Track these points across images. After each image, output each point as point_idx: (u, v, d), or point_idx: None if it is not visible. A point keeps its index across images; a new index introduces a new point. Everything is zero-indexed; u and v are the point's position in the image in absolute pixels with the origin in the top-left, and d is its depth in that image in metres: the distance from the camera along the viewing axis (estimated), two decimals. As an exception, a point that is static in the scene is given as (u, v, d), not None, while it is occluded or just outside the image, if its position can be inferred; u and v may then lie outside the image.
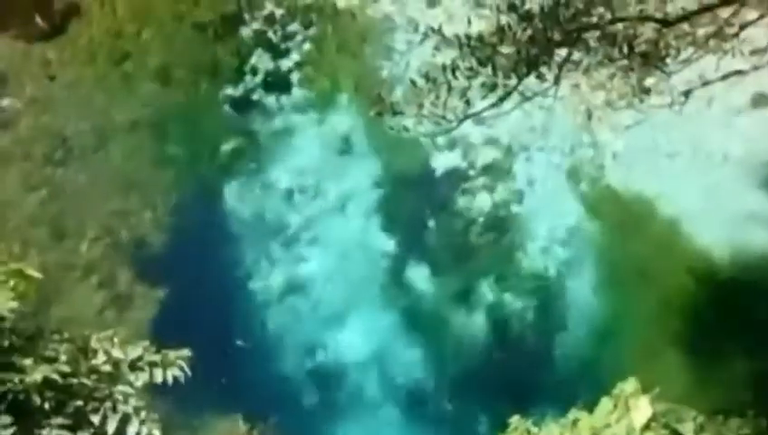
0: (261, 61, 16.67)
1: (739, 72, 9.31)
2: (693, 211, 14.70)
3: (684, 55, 8.41)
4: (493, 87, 7.94)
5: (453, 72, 7.86)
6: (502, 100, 7.93)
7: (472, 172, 15.62)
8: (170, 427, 7.47)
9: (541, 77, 8.02)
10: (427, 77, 7.91)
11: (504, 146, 15.70)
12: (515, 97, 8.03)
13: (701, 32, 8.36)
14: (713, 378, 13.03)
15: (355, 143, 15.95)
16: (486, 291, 14.64)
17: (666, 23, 8.02)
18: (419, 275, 14.83)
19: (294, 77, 16.54)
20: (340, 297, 14.68)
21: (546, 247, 14.90)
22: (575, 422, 7.11)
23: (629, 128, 8.97)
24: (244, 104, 16.28)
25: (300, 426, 13.59)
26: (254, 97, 16.37)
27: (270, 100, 16.36)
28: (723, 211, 14.64)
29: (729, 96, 14.49)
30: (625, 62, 7.85)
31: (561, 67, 7.89)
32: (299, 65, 16.59)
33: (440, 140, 15.54)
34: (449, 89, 7.83)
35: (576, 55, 8.49)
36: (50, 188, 14.87)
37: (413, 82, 7.98)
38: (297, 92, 16.43)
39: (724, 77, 9.28)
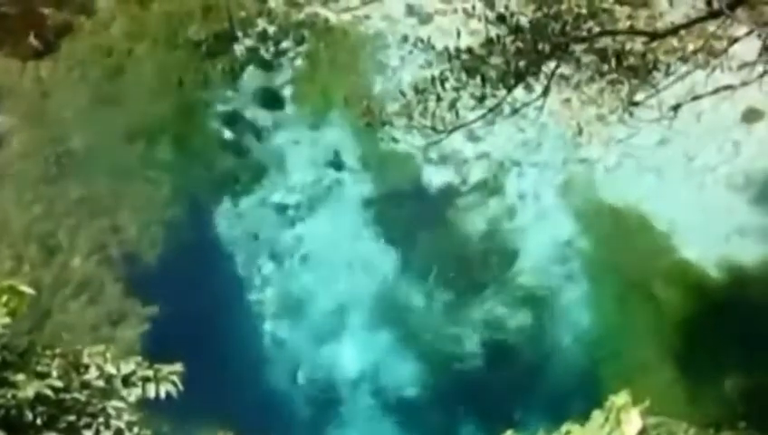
0: (253, 77, 16.72)
1: (728, 87, 9.39)
2: (684, 225, 14.77)
3: (673, 70, 8.50)
4: (482, 98, 8.01)
5: (442, 83, 7.93)
6: (491, 111, 8.00)
7: (464, 188, 15.67)
8: (163, 442, 7.45)
9: (529, 88, 8.10)
10: (416, 89, 7.99)
11: (497, 161, 15.76)
12: (505, 109, 8.10)
13: (690, 46, 8.45)
14: (705, 391, 13.05)
15: (347, 159, 15.99)
16: (480, 305, 14.66)
17: (654, 36, 8.11)
18: (413, 291, 14.85)
19: (287, 93, 16.60)
20: (334, 313, 14.68)
21: (539, 262, 14.94)
22: (567, 434, 7.12)
23: (620, 142, 9.02)
24: (236, 121, 16.32)
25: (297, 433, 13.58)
26: (247, 113, 16.41)
27: (262, 116, 16.40)
28: (714, 225, 14.72)
29: (720, 111, 14.60)
30: (614, 75, 7.93)
31: (549, 79, 7.97)
32: (291, 82, 16.65)
33: (432, 155, 15.61)
34: (438, 100, 7.91)
35: (567, 71, 8.56)
36: (43, 204, 14.86)
37: (402, 93, 8.05)
38: (289, 109, 16.48)
39: (714, 92, 9.36)
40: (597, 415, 7.08)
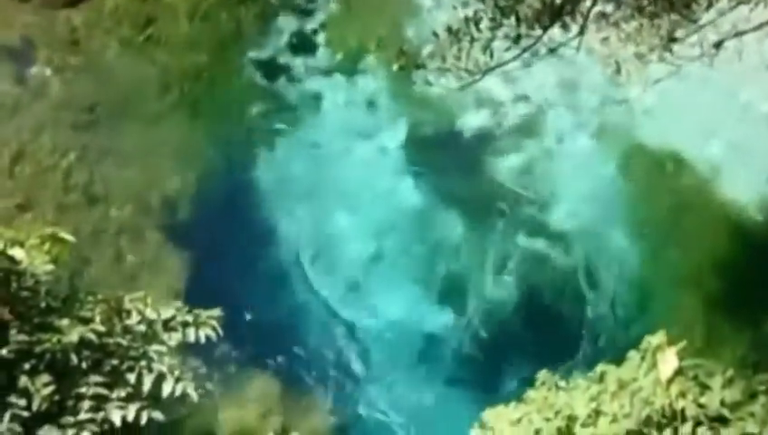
0: (286, 23, 16.60)
1: (772, 23, 9.10)
2: (725, 166, 14.53)
3: (715, 4, 8.25)
4: (517, 38, 7.84)
5: (476, 24, 7.77)
6: (525, 50, 7.84)
7: (500, 131, 15.52)
8: (205, 385, 7.59)
9: (565, 27, 7.91)
10: (449, 30, 7.83)
11: (533, 103, 15.57)
12: (541, 49, 7.93)
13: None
14: (744, 333, 12.96)
15: (382, 103, 15.88)
16: (517, 249, 14.61)
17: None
18: (449, 232, 14.83)
19: (320, 38, 16.47)
20: (368, 255, 14.73)
21: (576, 204, 14.82)
22: (602, 375, 7.13)
23: (659, 81, 8.82)
24: (270, 67, 16.25)
25: (331, 386, 13.74)
26: (281, 60, 16.33)
27: (296, 61, 16.31)
28: (756, 166, 14.46)
29: (763, 48, 14.20)
30: (653, 10, 7.71)
31: (586, 17, 7.78)
32: (324, 26, 16.50)
33: (468, 99, 15.44)
34: (472, 41, 7.75)
35: (605, 8, 8.35)
36: (79, 153, 14.99)
37: (435, 35, 7.91)
38: (323, 53, 16.36)
39: (757, 27, 9.09)
40: (633, 355, 7.07)
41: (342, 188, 15.26)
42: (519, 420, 7.43)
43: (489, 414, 7.74)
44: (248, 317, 13.77)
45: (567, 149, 15.26)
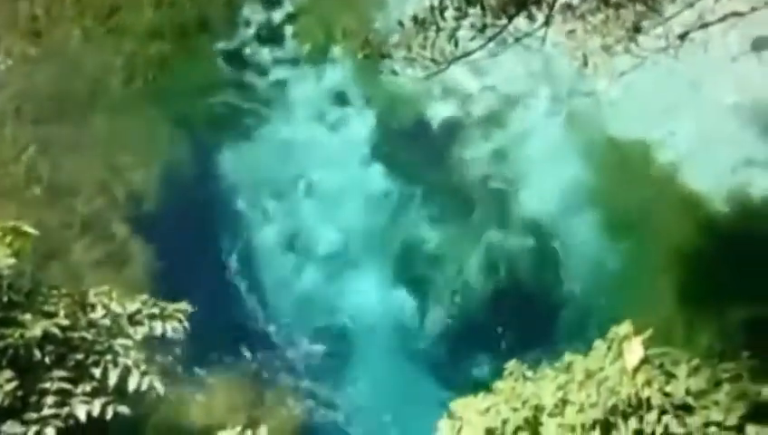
0: (253, 13, 16.48)
1: (737, 14, 9.19)
2: (691, 157, 14.67)
3: (681, -4, 8.31)
4: (482, 28, 7.84)
5: (441, 12, 7.75)
6: (491, 39, 7.84)
7: (469, 122, 15.56)
8: (171, 379, 7.54)
9: (531, 17, 7.92)
10: (415, 19, 7.81)
11: (501, 95, 15.62)
12: (507, 40, 7.94)
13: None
14: (710, 322, 13.12)
15: (350, 95, 15.85)
16: (485, 240, 14.67)
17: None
18: (419, 224, 14.85)
19: (288, 29, 16.38)
20: (338, 249, 14.71)
21: (544, 195, 14.89)
22: (569, 365, 7.18)
23: (625, 73, 8.87)
24: (236, 57, 16.14)
25: (303, 373, 13.73)
26: (248, 50, 16.22)
27: (263, 52, 16.21)
28: (721, 157, 14.62)
29: (728, 40, 14.35)
30: (619, 2, 7.75)
31: (551, 7, 7.80)
32: (292, 17, 16.42)
33: (436, 90, 15.45)
34: (437, 30, 7.74)
35: (572, 0, 8.36)
36: (42, 145, 14.79)
37: (401, 24, 7.88)
38: (291, 45, 16.28)
39: (722, 19, 9.17)
40: (599, 345, 7.12)
41: (310, 179, 15.22)
42: (487, 410, 7.45)
43: (457, 404, 7.76)
44: (214, 310, 13.69)
45: (535, 140, 15.32)
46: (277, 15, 16.46)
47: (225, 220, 14.88)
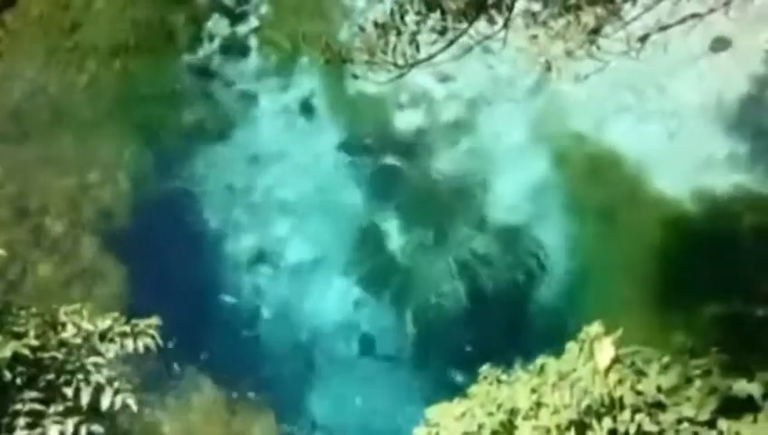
0: (218, 26, 16.46)
1: (695, 16, 9.33)
2: (655, 157, 14.84)
3: (640, 1, 8.41)
4: (443, 31, 7.87)
5: (401, 17, 7.78)
6: (452, 42, 7.87)
7: (435, 128, 15.63)
8: (144, 398, 7.49)
9: (492, 21, 7.97)
10: (375, 23, 7.82)
11: (467, 100, 15.71)
12: (469, 42, 7.98)
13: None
14: (680, 320, 13.27)
15: (317, 106, 15.87)
16: (455, 244, 14.74)
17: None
18: (389, 232, 14.89)
19: (252, 41, 16.37)
20: (309, 259, 14.70)
21: (512, 198, 15.00)
22: (542, 368, 7.22)
23: (588, 77, 8.97)
24: (202, 71, 16.10)
25: (275, 389, 13.68)
26: (213, 64, 16.19)
27: (229, 66, 16.19)
28: (685, 156, 14.80)
29: (688, 41, 14.56)
30: (578, 7, 7.83)
31: (510, 9, 7.86)
32: (256, 29, 16.41)
33: (402, 98, 15.51)
34: (398, 33, 7.76)
35: (533, 6, 8.44)
36: (8, 164, 14.65)
37: (361, 28, 7.90)
38: (256, 57, 16.27)
39: (681, 21, 9.30)
40: (571, 346, 7.18)
41: (279, 191, 15.20)
42: (463, 415, 7.47)
43: (433, 411, 7.77)
44: (188, 324, 13.61)
45: (502, 145, 15.43)
46: (242, 29, 16.45)
47: (194, 234, 14.81)
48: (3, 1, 15.66)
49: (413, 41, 7.77)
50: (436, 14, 7.78)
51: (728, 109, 15.04)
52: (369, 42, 7.63)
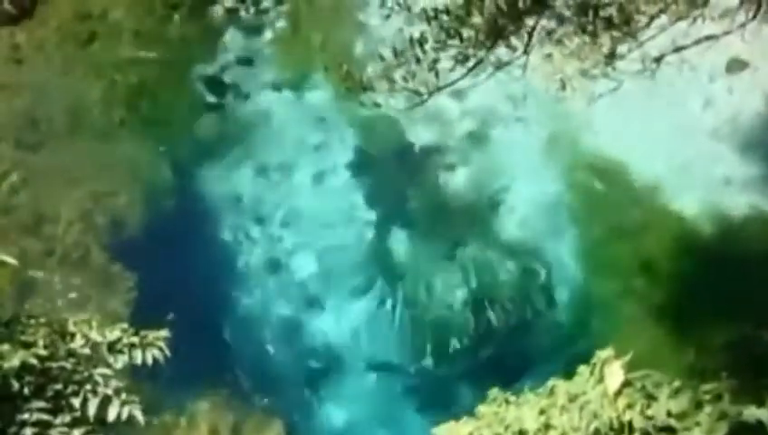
0: (234, 39, 16.54)
1: (711, 37, 9.31)
2: (670, 177, 14.79)
3: (656, 22, 8.41)
4: (463, 59, 7.89)
5: (421, 45, 7.80)
6: (471, 70, 7.88)
7: (449, 145, 15.62)
8: (153, 408, 7.47)
9: (510, 47, 7.98)
10: (395, 51, 7.85)
11: (481, 118, 15.70)
12: (488, 68, 7.99)
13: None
14: (691, 343, 13.16)
15: (330, 120, 15.90)
16: (467, 262, 14.69)
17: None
18: (400, 248, 14.87)
19: (268, 55, 16.43)
20: (320, 274, 14.69)
21: (525, 217, 14.96)
22: (552, 389, 7.17)
23: (603, 96, 8.96)
24: (218, 84, 16.17)
25: (284, 402, 13.65)
26: (228, 76, 16.25)
27: (244, 78, 16.25)
28: (699, 176, 14.74)
29: (703, 62, 14.54)
30: (594, 28, 7.83)
31: (530, 36, 7.86)
32: (272, 43, 16.48)
33: (417, 115, 15.52)
34: (418, 61, 7.77)
35: (549, 25, 8.45)
36: (23, 173, 14.73)
37: (381, 57, 7.92)
38: (271, 71, 16.33)
39: (696, 42, 9.29)
40: (582, 370, 7.13)
41: (292, 204, 15.21)
42: (470, 435, 7.43)
43: (440, 430, 7.72)
44: (198, 335, 13.60)
45: (515, 163, 15.40)
46: (258, 42, 16.52)
47: (206, 246, 14.83)
48: (20, 12, 15.80)
49: (432, 68, 7.79)
50: (456, 42, 7.79)
51: (743, 130, 14.98)
52: (388, 69, 7.66)
